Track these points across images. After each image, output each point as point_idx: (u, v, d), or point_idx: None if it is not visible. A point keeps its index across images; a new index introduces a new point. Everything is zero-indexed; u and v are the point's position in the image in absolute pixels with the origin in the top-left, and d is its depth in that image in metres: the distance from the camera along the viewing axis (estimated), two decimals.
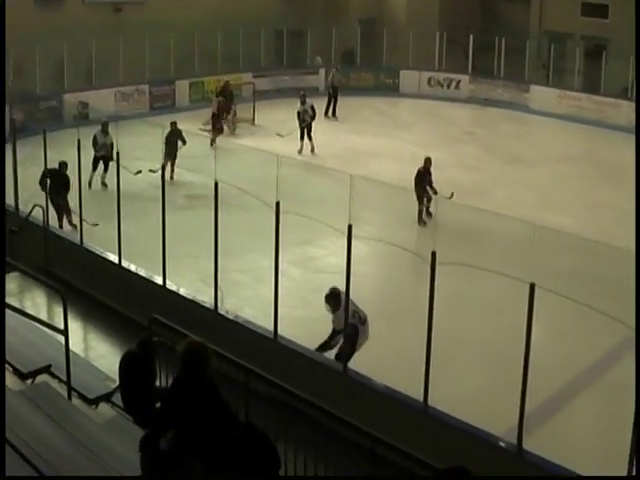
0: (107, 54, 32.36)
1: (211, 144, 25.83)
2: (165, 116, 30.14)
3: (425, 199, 21.95)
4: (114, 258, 16.45)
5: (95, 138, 23.47)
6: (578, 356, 15.02)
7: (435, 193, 21.88)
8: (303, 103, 29.62)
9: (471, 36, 38.45)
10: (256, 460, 6.79)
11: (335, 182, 21.01)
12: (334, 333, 13.76)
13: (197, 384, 6.52)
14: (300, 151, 29.04)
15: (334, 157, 28.09)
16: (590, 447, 12.58)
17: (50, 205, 18.64)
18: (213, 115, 30.37)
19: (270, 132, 30.61)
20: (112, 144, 21.70)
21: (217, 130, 29.64)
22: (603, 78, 35.13)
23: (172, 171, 23.78)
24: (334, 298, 13.61)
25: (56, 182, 19.83)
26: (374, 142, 30.32)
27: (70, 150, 18.00)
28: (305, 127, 29.28)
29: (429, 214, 21.95)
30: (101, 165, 23.57)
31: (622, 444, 9.76)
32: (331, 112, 34.90)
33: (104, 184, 23.10)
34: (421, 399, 11.52)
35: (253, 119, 32.76)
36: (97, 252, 17.05)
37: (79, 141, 17.39)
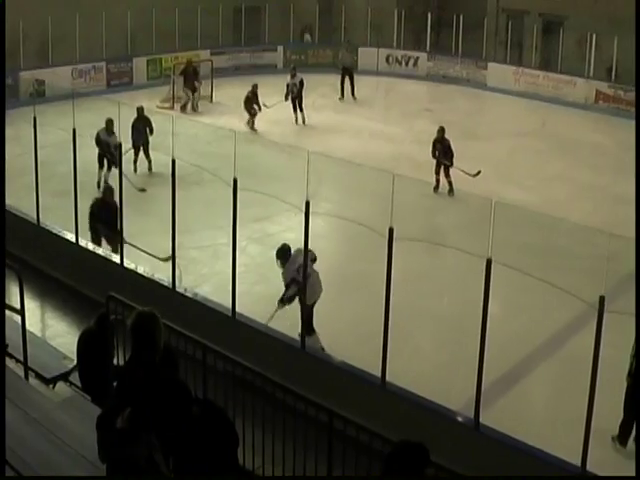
0: (63, 30, 32.03)
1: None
2: (123, 93, 30.01)
3: (442, 169, 22.56)
4: (71, 237, 16.36)
5: (98, 136, 22.11)
6: (535, 330, 15.16)
7: (451, 164, 22.46)
8: (293, 77, 30.44)
9: (429, 13, 38.45)
10: (214, 436, 6.81)
11: (293, 158, 21.06)
12: (286, 288, 13.96)
13: (149, 355, 6.50)
14: (296, 121, 30.04)
15: (292, 133, 28.11)
16: (547, 420, 12.73)
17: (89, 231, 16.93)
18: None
19: (228, 110, 30.52)
20: (117, 145, 19.54)
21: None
22: (560, 55, 35.27)
23: (149, 162, 23.36)
24: (283, 253, 14.07)
25: (105, 215, 16.62)
26: (333, 118, 30.33)
27: (26, 128, 17.83)
28: (296, 99, 30.15)
29: (450, 184, 22.52)
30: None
31: (578, 415, 9.91)
32: (350, 93, 34.19)
33: (106, 183, 20.96)
34: (379, 374, 11.57)
35: (211, 96, 32.63)
36: (54, 230, 16.95)
37: (35, 119, 17.22)
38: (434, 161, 22.58)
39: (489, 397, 11.57)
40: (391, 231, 11.16)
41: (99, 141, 21.91)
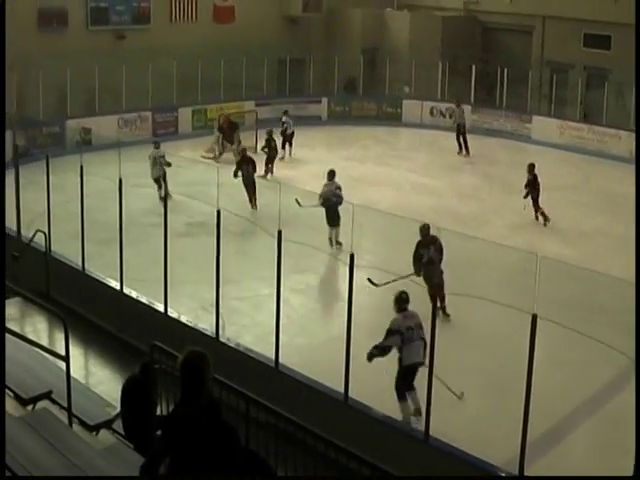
0: (110, 80, 32.50)
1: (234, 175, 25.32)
2: (168, 143, 30.25)
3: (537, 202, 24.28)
4: (115, 284, 16.49)
5: (154, 159, 25.03)
6: (577, 386, 14.98)
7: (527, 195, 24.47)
8: (285, 113, 32.99)
9: (473, 66, 38.58)
10: None
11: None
12: (386, 335, 13.40)
13: (198, 394, 6.50)
14: (282, 158, 31.10)
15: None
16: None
17: None
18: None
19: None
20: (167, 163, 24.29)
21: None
22: (604, 108, 35.20)
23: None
24: (400, 301, 13.48)
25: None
26: (374, 170, 30.41)
27: (72, 176, 18.06)
28: (287, 137, 32.17)
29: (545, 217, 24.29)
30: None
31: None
32: (464, 150, 34.23)
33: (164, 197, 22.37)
34: (422, 429, 11.51)
35: (255, 147, 32.77)
36: (98, 278, 17.09)
37: (81, 167, 17.45)
38: (478, 213, 22.68)
39: (531, 454, 11.43)
40: (434, 287, 11.15)
41: (155, 162, 25.09)
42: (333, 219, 21.24)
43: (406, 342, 13.18)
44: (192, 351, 6.65)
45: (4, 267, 9.26)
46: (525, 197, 24.54)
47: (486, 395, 14.73)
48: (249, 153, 31.44)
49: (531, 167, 25.16)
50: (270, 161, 29.14)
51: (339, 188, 21.95)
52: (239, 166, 25.50)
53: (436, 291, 15.18)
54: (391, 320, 13.46)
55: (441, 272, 16.35)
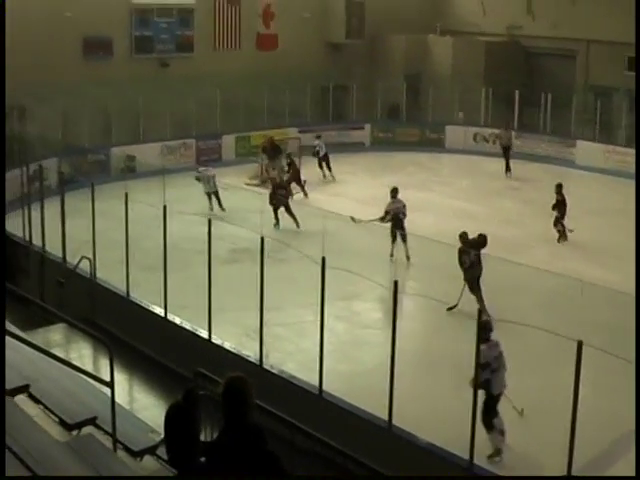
0: (154, 108, 32.76)
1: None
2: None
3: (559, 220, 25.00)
4: (159, 311, 16.56)
5: (207, 178, 27.35)
6: (620, 414, 14.75)
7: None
8: (318, 137, 34.05)
9: (517, 91, 38.47)
10: None
11: (378, 236, 21.17)
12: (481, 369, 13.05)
13: (240, 421, 6.48)
14: (324, 177, 33.01)
15: (379, 212, 28.15)
16: None
17: None
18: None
19: (314, 186, 30.72)
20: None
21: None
22: None
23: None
24: (485, 330, 13.13)
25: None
26: (417, 196, 30.26)
27: (117, 203, 18.21)
28: (320, 159, 33.23)
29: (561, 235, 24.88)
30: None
31: None
32: (504, 170, 34.72)
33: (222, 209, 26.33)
34: (466, 456, 11.42)
35: (323, 175, 32.98)
36: (143, 304, 17.18)
37: (126, 195, 17.60)
38: (520, 238, 22.62)
39: None
40: (479, 312, 11.11)
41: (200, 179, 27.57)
42: (403, 235, 22.42)
43: (494, 372, 13.18)
44: (233, 376, 6.64)
45: (5, 267, 9.33)
46: (555, 224, 24.99)
47: (530, 421, 14.58)
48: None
49: (559, 188, 25.56)
50: (290, 183, 29.15)
51: (404, 206, 23.32)
52: (273, 193, 26.10)
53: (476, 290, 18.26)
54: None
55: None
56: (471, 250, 18.77)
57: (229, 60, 36.85)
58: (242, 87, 34.59)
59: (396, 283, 12.08)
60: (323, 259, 12.95)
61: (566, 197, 25.16)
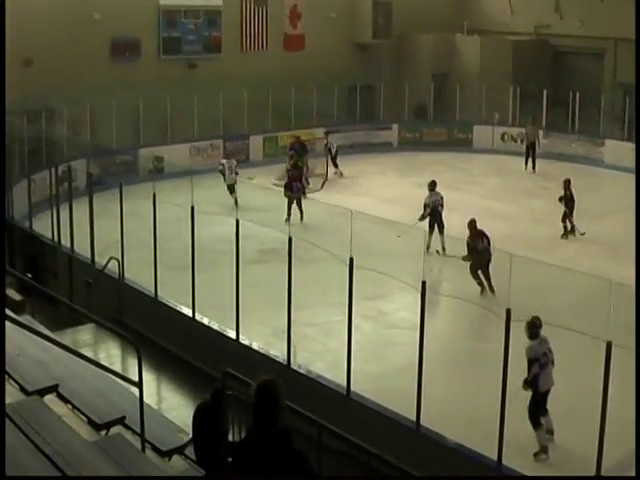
0: (182, 109, 32.85)
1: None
2: (239, 170, 30.47)
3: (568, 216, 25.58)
4: (187, 311, 16.59)
5: (229, 168, 28.19)
6: None
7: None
8: (327, 134, 33.99)
9: (545, 90, 38.28)
10: None
11: (406, 236, 21.09)
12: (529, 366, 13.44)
13: (270, 422, 6.48)
14: (340, 175, 33.20)
15: (406, 211, 28.10)
16: None
17: None
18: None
19: (340, 186, 30.71)
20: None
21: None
22: None
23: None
24: (534, 327, 13.52)
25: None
26: (446, 196, 30.19)
27: (145, 204, 18.26)
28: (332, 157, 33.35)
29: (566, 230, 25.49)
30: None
31: None
32: (530, 167, 35.26)
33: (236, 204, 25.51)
34: (493, 456, 11.37)
35: (326, 174, 32.81)
36: (170, 305, 17.22)
37: (154, 195, 17.65)
38: (549, 237, 22.59)
39: None
40: (508, 312, 11.05)
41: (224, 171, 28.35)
42: (440, 226, 23.79)
43: (542, 368, 13.29)
44: (267, 379, 6.65)
45: (4, 260, 9.40)
46: (563, 220, 25.51)
47: (560, 422, 14.50)
48: (319, 180, 31.77)
49: (567, 183, 25.99)
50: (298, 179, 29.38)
51: (442, 198, 24.47)
52: (289, 184, 27.42)
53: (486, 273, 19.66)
54: (526, 348, 13.36)
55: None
56: (484, 237, 20.49)
57: (256, 61, 36.90)
58: (269, 88, 34.63)
59: (424, 283, 12.05)
60: (351, 259, 12.93)
61: (574, 194, 25.69)
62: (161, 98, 32.18)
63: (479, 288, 19.42)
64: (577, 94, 36.88)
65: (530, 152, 35.36)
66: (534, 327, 13.46)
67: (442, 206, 24.30)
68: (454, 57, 41.72)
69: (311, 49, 38.80)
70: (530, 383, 13.24)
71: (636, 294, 9.86)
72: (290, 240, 14.12)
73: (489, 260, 19.69)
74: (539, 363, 13.22)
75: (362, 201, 27.96)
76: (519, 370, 12.96)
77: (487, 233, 20.69)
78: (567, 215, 25.45)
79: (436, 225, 23.82)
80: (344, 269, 13.18)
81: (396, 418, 12.80)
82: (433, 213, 24.03)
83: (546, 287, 20.49)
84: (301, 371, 14.33)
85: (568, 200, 25.56)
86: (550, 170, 34.46)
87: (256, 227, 22.63)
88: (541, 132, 36.52)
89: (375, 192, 30.10)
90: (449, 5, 43.02)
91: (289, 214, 25.53)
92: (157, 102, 32.15)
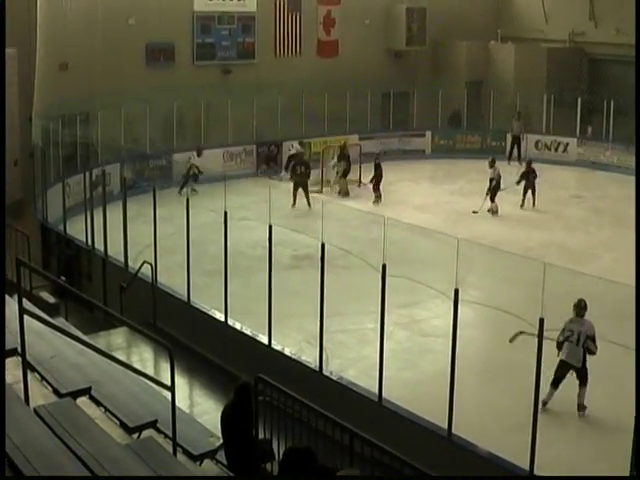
0: (216, 114, 32.96)
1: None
2: (273, 176, 30.56)
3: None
4: (220, 316, 16.61)
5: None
6: None
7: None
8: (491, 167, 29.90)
9: (579, 98, 38.09)
10: None
11: (441, 244, 21.04)
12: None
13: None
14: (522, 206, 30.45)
15: (440, 219, 28.02)
16: None
17: None
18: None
19: (370, 194, 30.70)
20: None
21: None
22: None
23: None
24: (579, 307, 14.97)
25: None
26: (480, 204, 30.16)
27: (179, 209, 18.31)
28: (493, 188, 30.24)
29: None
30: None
31: None
32: (515, 158, 37.06)
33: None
34: (525, 466, 11.30)
35: (360, 181, 32.76)
36: (203, 309, 17.24)
37: (188, 200, 17.69)
38: (586, 247, 22.55)
39: None
40: (541, 322, 10.98)
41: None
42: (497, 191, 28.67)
43: (567, 341, 14.57)
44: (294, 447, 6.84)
45: (4, 261, 9.43)
46: (518, 183, 29.77)
47: (595, 434, 14.41)
48: (353, 187, 31.75)
49: (529, 164, 30.53)
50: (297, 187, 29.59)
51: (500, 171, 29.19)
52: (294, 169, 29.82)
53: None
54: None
55: None
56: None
57: (290, 67, 36.96)
58: (303, 94, 34.66)
59: (457, 291, 11.99)
60: (384, 266, 12.90)
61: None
62: (195, 103, 32.32)
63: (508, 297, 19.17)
64: (612, 102, 36.65)
65: (515, 146, 37.36)
66: (577, 307, 14.84)
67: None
68: (488, 64, 41.62)
69: (345, 55, 38.84)
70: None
71: (636, 294, 9.76)
72: (323, 246, 14.10)
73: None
74: (563, 334, 14.61)
75: (397, 209, 27.97)
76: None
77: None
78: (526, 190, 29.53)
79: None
80: (378, 277, 13.14)
81: (428, 426, 12.74)
82: (498, 184, 28.88)
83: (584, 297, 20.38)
84: (332, 377, 14.30)
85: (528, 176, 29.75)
86: (584, 179, 34.31)
87: (290, 233, 22.72)
88: (574, 141, 36.28)
89: (410, 200, 30.04)
90: (483, 12, 42.88)
91: (294, 201, 27.41)
92: (191, 107, 32.28)
